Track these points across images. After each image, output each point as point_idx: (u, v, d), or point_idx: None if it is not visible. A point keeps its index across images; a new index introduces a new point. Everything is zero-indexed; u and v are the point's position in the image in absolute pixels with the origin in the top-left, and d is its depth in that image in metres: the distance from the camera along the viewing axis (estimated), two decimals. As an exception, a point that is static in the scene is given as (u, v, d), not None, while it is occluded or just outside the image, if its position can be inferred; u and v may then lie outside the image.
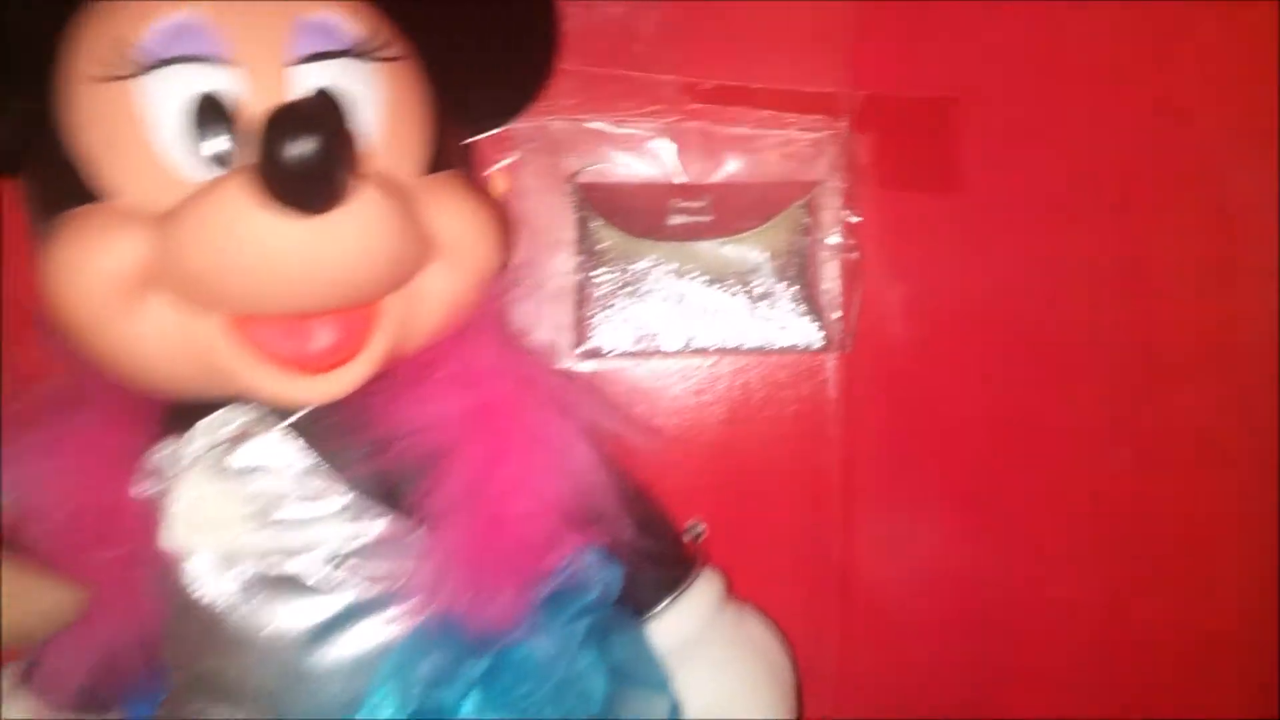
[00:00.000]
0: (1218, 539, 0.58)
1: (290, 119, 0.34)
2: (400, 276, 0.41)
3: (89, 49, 0.39)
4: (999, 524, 0.58)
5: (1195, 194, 0.56)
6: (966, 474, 0.58)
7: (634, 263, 0.54)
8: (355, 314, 0.41)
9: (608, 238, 0.54)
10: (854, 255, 0.56)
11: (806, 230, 0.54)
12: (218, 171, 0.38)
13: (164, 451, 0.43)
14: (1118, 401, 0.57)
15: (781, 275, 0.54)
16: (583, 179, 0.55)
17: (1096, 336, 0.57)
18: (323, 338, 0.40)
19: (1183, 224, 0.56)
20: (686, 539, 0.56)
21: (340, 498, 0.43)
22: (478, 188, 0.49)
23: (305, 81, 0.40)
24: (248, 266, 0.37)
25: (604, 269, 0.54)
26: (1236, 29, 0.55)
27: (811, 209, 0.55)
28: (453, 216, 0.42)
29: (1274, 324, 0.57)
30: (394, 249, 0.39)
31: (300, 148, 0.34)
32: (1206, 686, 0.59)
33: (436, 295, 0.42)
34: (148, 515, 0.42)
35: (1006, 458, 0.57)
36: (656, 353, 0.55)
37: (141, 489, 0.43)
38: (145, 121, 0.38)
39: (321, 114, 0.35)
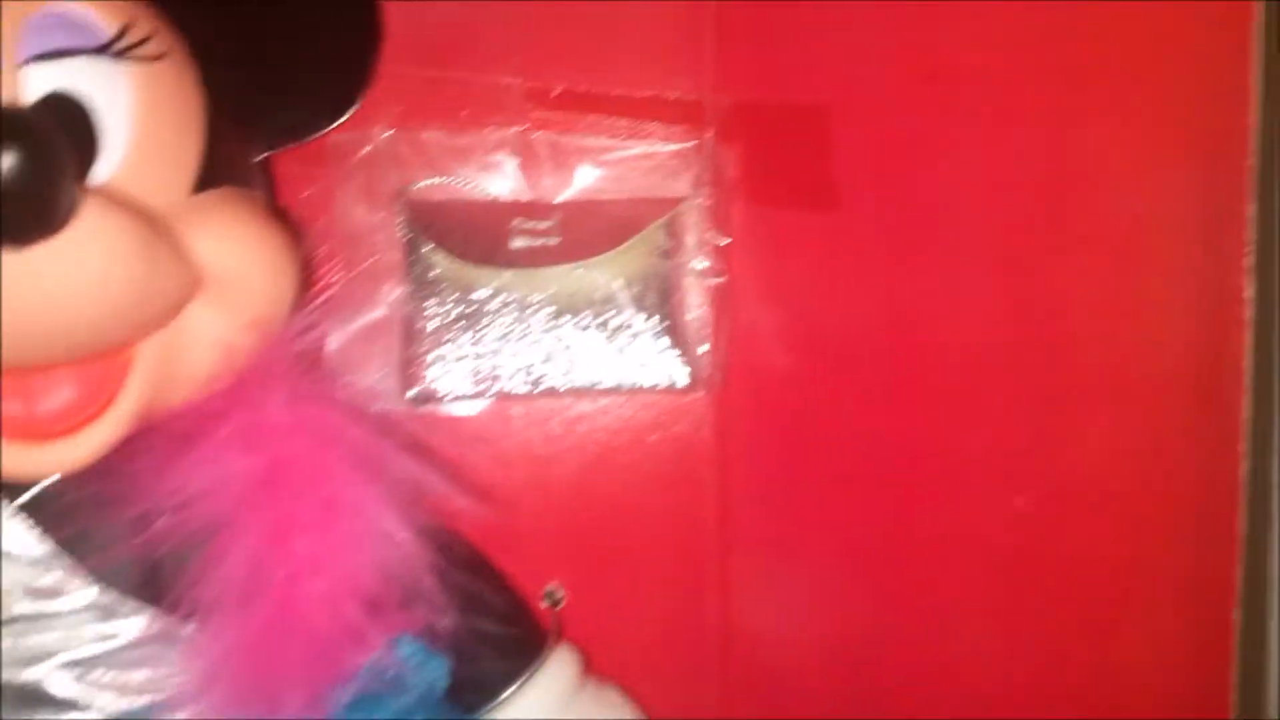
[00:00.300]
0: (1125, 583, 0.54)
1: None
2: (150, 315, 0.34)
3: None
4: (888, 570, 0.53)
5: (1092, 204, 0.52)
6: (853, 517, 0.52)
7: (472, 292, 0.47)
8: (99, 365, 0.34)
9: (441, 264, 0.47)
10: (722, 280, 0.50)
11: (668, 253, 0.49)
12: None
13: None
14: (1015, 434, 0.53)
15: (640, 304, 0.48)
16: (412, 197, 0.48)
17: (990, 363, 0.52)
18: (58, 396, 0.34)
19: (1079, 238, 0.52)
20: (544, 605, 0.50)
21: (86, 590, 0.36)
22: (269, 208, 0.43)
23: (38, 84, 0.33)
24: (-58, 311, 0.30)
25: (437, 300, 0.47)
26: (1135, 28, 0.51)
27: (673, 229, 0.49)
28: (224, 242, 0.36)
29: (1182, 343, 0.52)
30: (133, 286, 0.32)
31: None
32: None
33: (205, 337, 0.36)
34: None
35: (895, 498, 0.52)
36: (499, 395, 0.48)
37: None
38: None
39: (25, 124, 0.29)
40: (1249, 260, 0.50)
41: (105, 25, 0.35)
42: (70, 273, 0.30)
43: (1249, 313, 0.51)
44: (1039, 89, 0.51)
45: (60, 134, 0.30)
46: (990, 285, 0.52)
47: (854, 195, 0.51)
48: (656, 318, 0.48)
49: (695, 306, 0.50)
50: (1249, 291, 0.51)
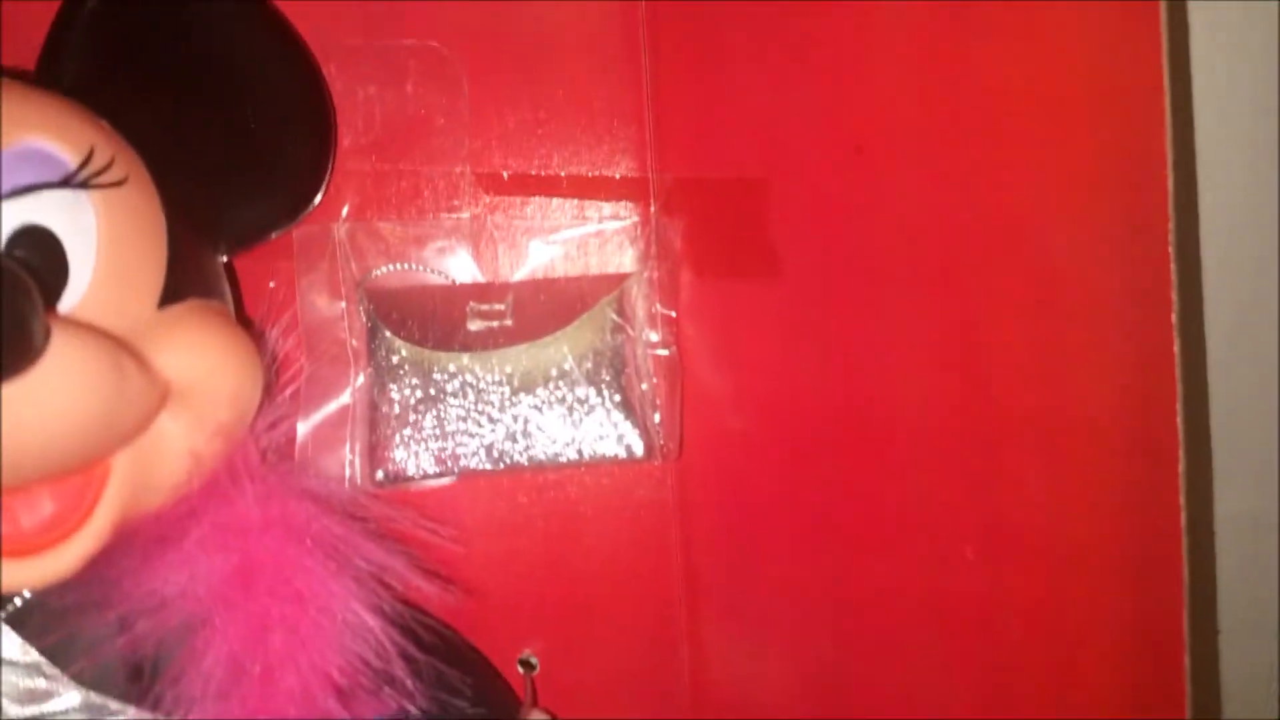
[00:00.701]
0: (1072, 629, 0.54)
1: None
2: (122, 433, 0.35)
3: None
4: (849, 620, 0.54)
5: (1018, 264, 0.53)
6: (812, 570, 0.53)
7: (432, 375, 0.49)
8: (76, 479, 0.35)
9: (402, 349, 0.49)
10: (671, 350, 0.51)
11: (618, 327, 0.50)
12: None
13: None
14: (959, 488, 0.54)
15: (594, 378, 0.50)
16: (372, 286, 0.49)
17: (931, 419, 0.53)
18: (37, 512, 0.35)
19: (1007, 297, 0.53)
20: (520, 672, 0.51)
21: (73, 693, 0.37)
22: (237, 310, 0.44)
23: (9, 220, 0.35)
24: (-80, 446, 0.31)
25: (399, 384, 0.49)
26: (1052, 97, 0.53)
27: (623, 303, 0.51)
28: (189, 355, 0.37)
29: (1115, 393, 0.54)
30: (103, 408, 0.33)
31: None
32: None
33: (175, 444, 0.37)
34: None
35: (851, 551, 0.53)
36: (464, 473, 0.50)
37: None
38: None
39: None
40: (1174, 316, 0.52)
41: (69, 156, 0.36)
42: (45, 403, 0.32)
43: (1178, 364, 0.52)
44: (961, 154, 0.53)
45: (27, 275, 0.32)
46: (926, 345, 0.53)
47: (793, 263, 0.52)
48: (610, 390, 0.50)
49: (647, 377, 0.51)
50: (1176, 345, 0.52)
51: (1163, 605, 0.54)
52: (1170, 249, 0.52)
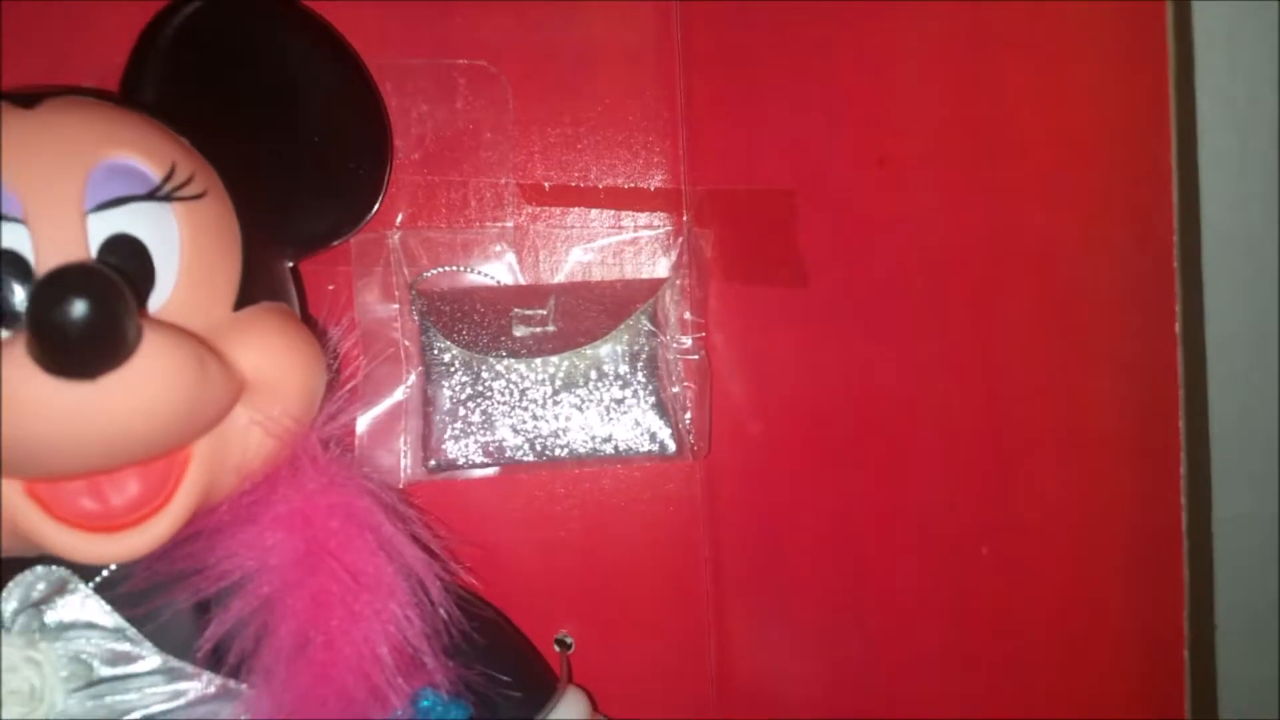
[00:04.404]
0: (1080, 625, 0.57)
1: (59, 284, 0.33)
2: (203, 423, 0.39)
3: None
4: (870, 614, 0.56)
5: (1032, 276, 0.56)
6: (834, 565, 0.56)
7: (480, 372, 0.53)
8: (160, 464, 0.39)
9: (452, 349, 0.52)
10: (701, 354, 0.54)
11: (652, 332, 0.53)
12: (8, 334, 0.37)
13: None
14: (975, 490, 0.56)
15: (630, 380, 0.53)
16: (423, 289, 0.53)
17: (948, 423, 0.56)
18: (125, 493, 0.39)
19: (1022, 307, 0.56)
20: (556, 651, 0.54)
21: (155, 657, 0.40)
22: (303, 312, 0.48)
23: (101, 230, 0.39)
24: (29, 436, 0.35)
25: (450, 381, 0.52)
26: (1063, 114, 0.55)
27: (656, 310, 0.54)
28: (262, 351, 0.41)
29: (1129, 405, 0.56)
30: (189, 400, 0.37)
31: (71, 313, 0.32)
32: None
33: (250, 434, 0.41)
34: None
35: (871, 549, 0.56)
36: (508, 463, 0.53)
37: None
38: None
39: (91, 275, 0.33)
40: (1177, 327, 0.54)
41: (154, 171, 0.40)
42: (136, 395, 0.35)
43: (1180, 372, 0.54)
44: (977, 168, 0.55)
45: (121, 280, 0.36)
46: (943, 352, 0.56)
47: (818, 272, 0.55)
48: (645, 391, 0.53)
49: (679, 380, 0.54)
50: (1179, 353, 0.54)
51: (1164, 602, 0.55)
52: (1174, 261, 0.54)
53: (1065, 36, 0.55)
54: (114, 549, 0.39)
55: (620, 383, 0.53)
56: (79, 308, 0.32)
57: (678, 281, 0.54)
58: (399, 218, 0.53)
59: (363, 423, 0.52)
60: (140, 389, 0.35)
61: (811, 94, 0.55)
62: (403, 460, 0.53)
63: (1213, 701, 0.57)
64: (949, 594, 0.56)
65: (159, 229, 0.40)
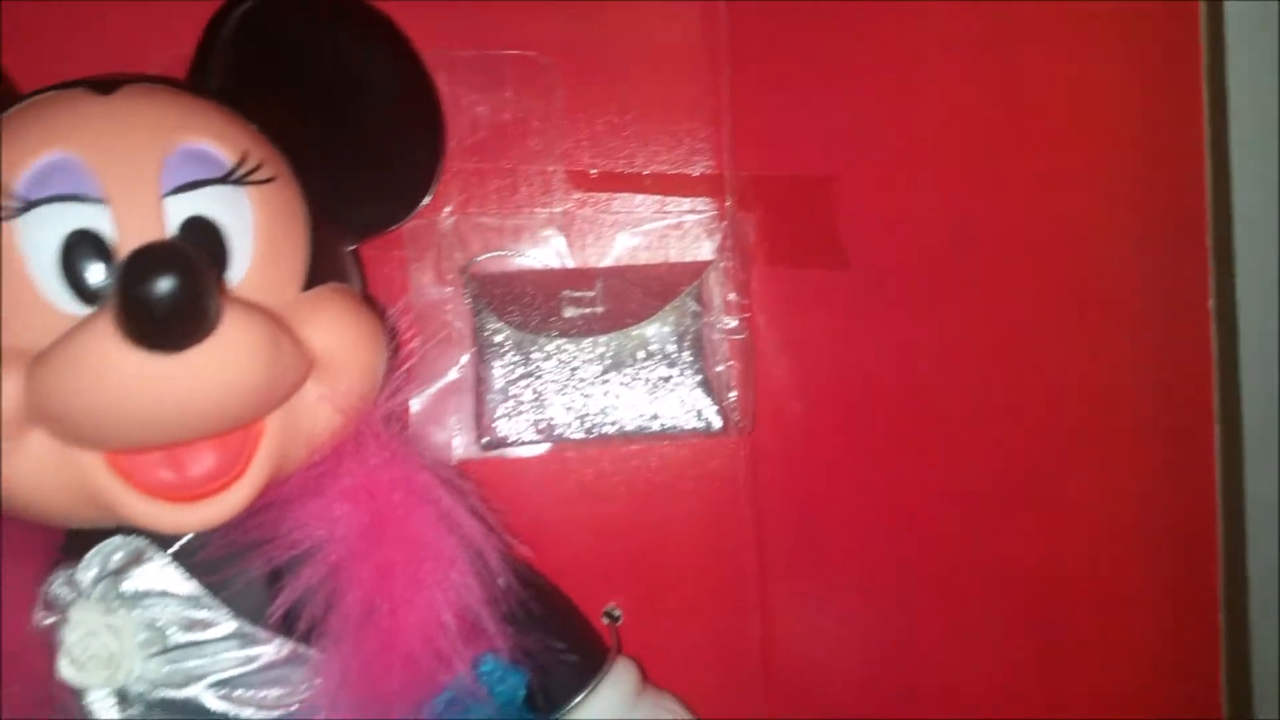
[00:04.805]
0: (1130, 601, 0.58)
1: (147, 260, 0.34)
2: (277, 397, 0.41)
3: (-35, 194, 0.39)
4: (913, 592, 0.58)
5: (1067, 260, 0.57)
6: (876, 541, 0.58)
7: (530, 352, 0.54)
8: (235, 436, 0.41)
9: (504, 330, 0.54)
10: (745, 335, 0.56)
11: (698, 313, 0.55)
12: (93, 309, 0.38)
13: (57, 582, 0.43)
14: (1018, 468, 0.58)
15: (677, 359, 0.55)
16: (475, 272, 0.55)
17: (987, 402, 0.57)
18: (202, 464, 0.40)
19: (1059, 290, 0.57)
20: (604, 623, 0.56)
21: (229, 622, 0.42)
22: (363, 294, 0.49)
23: (179, 212, 0.40)
24: (114, 406, 0.37)
25: (502, 361, 0.54)
26: (1099, 106, 0.57)
27: (701, 291, 0.55)
28: (330, 330, 0.42)
29: (1163, 386, 0.57)
30: (265, 375, 0.39)
31: (158, 288, 0.34)
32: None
33: (318, 410, 0.42)
34: (46, 648, 0.42)
35: (912, 524, 0.58)
36: (558, 441, 0.55)
37: (38, 621, 0.42)
38: (22, 261, 0.39)
39: (177, 253, 0.35)
40: (1211, 304, 0.55)
41: (227, 157, 0.42)
42: (217, 369, 0.37)
43: (1214, 353, 0.56)
44: (1016, 156, 0.57)
45: (205, 256, 0.37)
46: (982, 332, 0.57)
47: (859, 256, 0.57)
48: (691, 370, 0.55)
49: (723, 359, 0.56)
50: (1212, 333, 0.56)
51: (1198, 578, 0.57)
52: (1207, 246, 0.55)
53: (1099, 27, 0.56)
54: (191, 518, 0.40)
55: (667, 362, 0.55)
56: (168, 283, 0.34)
57: (722, 264, 0.56)
58: (451, 204, 0.55)
59: (417, 402, 0.54)
60: (222, 362, 0.37)
61: (852, 83, 0.57)
62: (456, 438, 0.55)
63: (1247, 673, 0.58)
64: (988, 571, 0.58)
65: (233, 212, 0.41)
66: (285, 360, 0.40)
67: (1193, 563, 0.57)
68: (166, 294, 0.34)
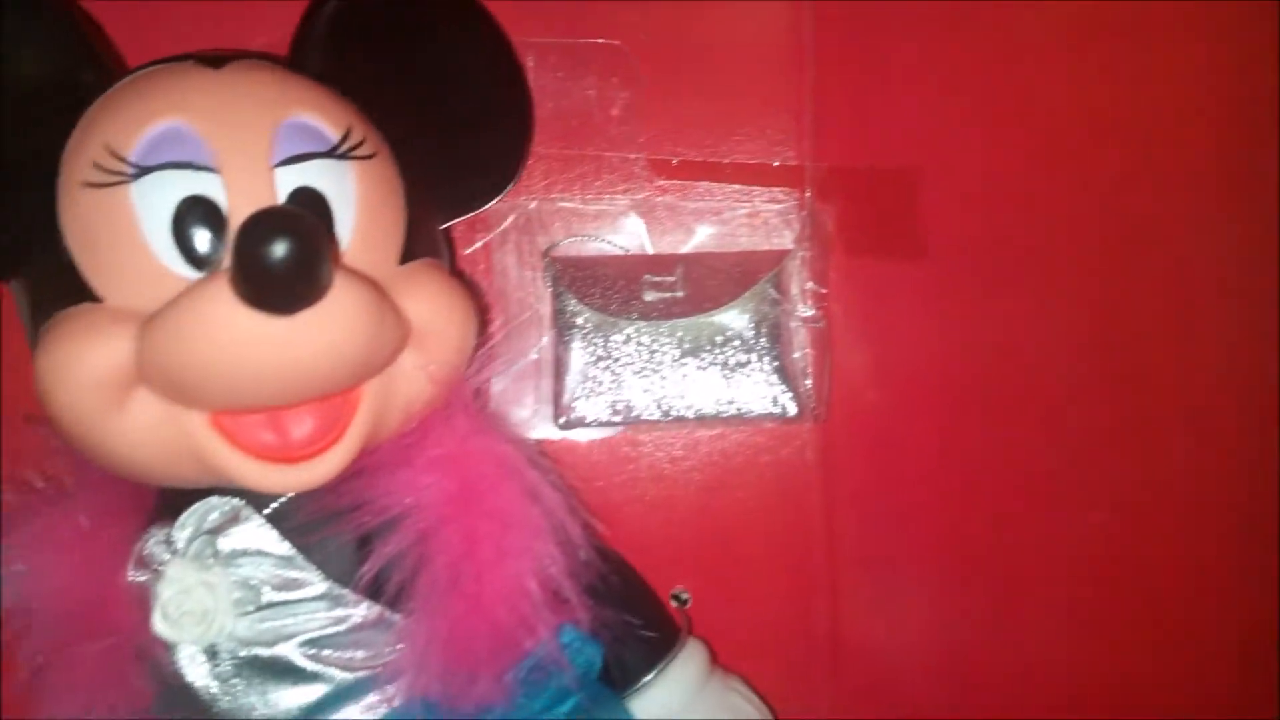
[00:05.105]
0: (1205, 593, 0.58)
1: (265, 223, 0.35)
2: (377, 364, 0.42)
3: (84, 155, 0.41)
4: (982, 581, 0.58)
5: (1151, 250, 0.58)
6: (946, 535, 0.58)
7: (609, 335, 0.55)
8: (334, 401, 0.42)
9: (583, 313, 0.55)
10: (822, 323, 0.57)
11: (776, 301, 0.56)
12: (205, 272, 0.40)
13: (153, 540, 0.44)
14: (1091, 458, 0.58)
15: (754, 345, 0.55)
16: (556, 256, 0.56)
17: (1065, 395, 0.58)
18: (302, 427, 0.42)
19: (1140, 282, 0.58)
20: (672, 605, 0.57)
21: (320, 584, 0.43)
22: (451, 271, 0.51)
23: (287, 182, 0.42)
24: (226, 365, 0.38)
25: (581, 344, 0.55)
26: (1191, 98, 0.57)
27: (780, 279, 0.56)
28: (426, 303, 0.44)
29: (1234, 379, 0.58)
30: (370, 340, 0.40)
31: (275, 251, 0.35)
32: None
33: (413, 379, 0.43)
34: (138, 604, 0.43)
35: (985, 516, 0.58)
36: (634, 423, 0.56)
37: (132, 577, 0.44)
38: (136, 225, 0.40)
39: (294, 217, 0.36)
40: None
41: (332, 131, 0.43)
42: (326, 331, 0.38)
43: None
44: (1101, 150, 0.57)
45: (320, 225, 0.39)
46: (1059, 324, 0.58)
47: (938, 247, 0.57)
48: (768, 357, 0.55)
49: (800, 346, 0.56)
50: None
51: (1262, 565, 0.57)
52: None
53: (1180, 18, 0.57)
54: (291, 479, 0.42)
55: (744, 347, 0.55)
56: (285, 245, 0.35)
57: (801, 253, 0.57)
58: (534, 188, 0.56)
59: (498, 381, 0.55)
60: (330, 326, 0.38)
61: (932, 76, 0.57)
62: (534, 417, 0.56)
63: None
64: (1061, 560, 0.58)
65: (338, 184, 0.43)
66: (388, 328, 0.41)
67: (1266, 553, 0.57)
68: (283, 257, 0.35)
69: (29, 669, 0.44)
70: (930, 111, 0.57)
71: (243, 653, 0.43)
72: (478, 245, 0.56)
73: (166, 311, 0.38)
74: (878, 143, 0.58)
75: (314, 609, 0.43)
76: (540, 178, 0.56)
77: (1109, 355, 0.58)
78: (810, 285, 0.57)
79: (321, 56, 0.49)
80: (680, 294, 0.54)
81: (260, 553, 0.43)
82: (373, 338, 0.40)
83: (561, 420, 0.55)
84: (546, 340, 0.56)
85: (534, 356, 0.56)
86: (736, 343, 0.55)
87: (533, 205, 0.56)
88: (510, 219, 0.56)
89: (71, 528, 0.44)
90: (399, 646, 0.43)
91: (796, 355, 0.56)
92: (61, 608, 0.43)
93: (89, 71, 0.44)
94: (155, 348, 0.38)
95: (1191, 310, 0.58)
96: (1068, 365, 0.58)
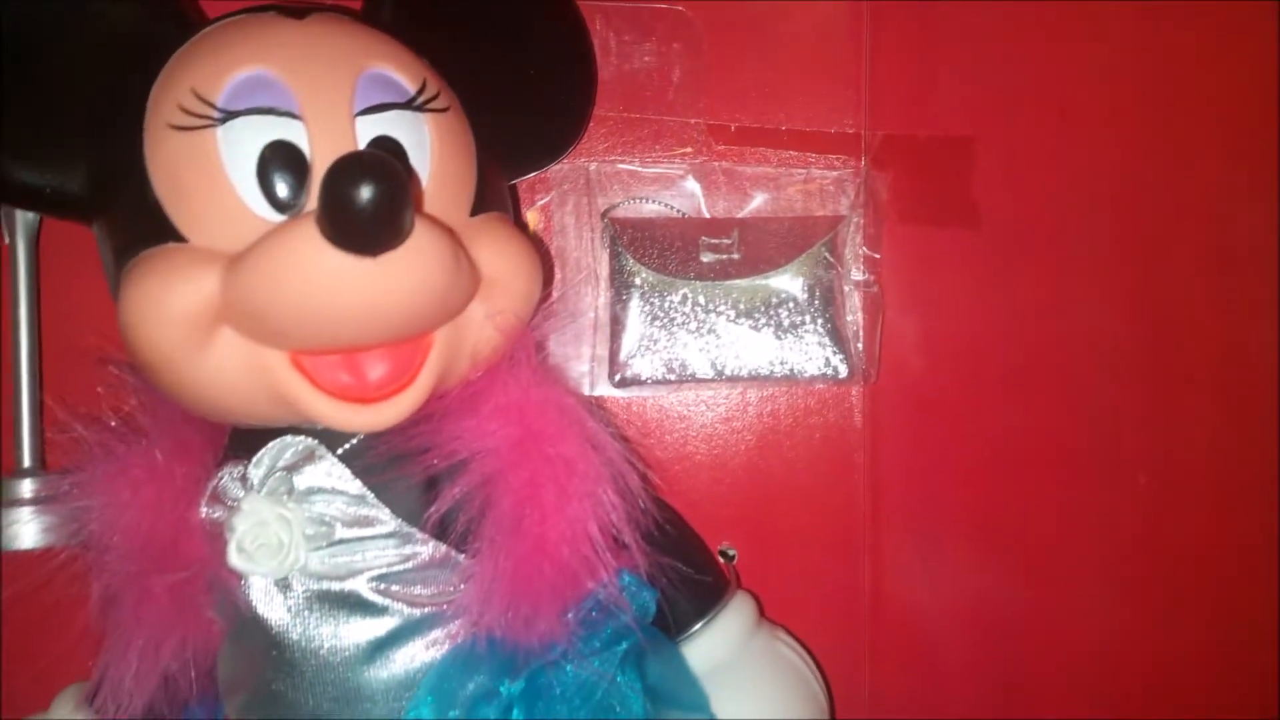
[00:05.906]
0: (1238, 564, 0.59)
1: (353, 167, 0.37)
2: (451, 310, 0.43)
3: (169, 100, 0.42)
4: (1021, 546, 0.59)
5: (1192, 226, 0.59)
6: (989, 499, 0.59)
7: (666, 296, 0.56)
8: (407, 346, 0.43)
9: (640, 274, 0.56)
10: (874, 289, 0.58)
11: (830, 265, 0.57)
12: (287, 216, 0.41)
13: (227, 476, 0.45)
14: (1133, 429, 0.59)
15: (807, 308, 0.57)
16: (615, 218, 0.57)
17: (1107, 360, 0.59)
18: (377, 370, 0.43)
19: (1182, 255, 0.59)
20: (720, 562, 0.58)
21: (390, 522, 0.45)
22: (518, 226, 0.52)
23: (367, 131, 0.43)
24: (310, 304, 0.39)
25: (637, 303, 0.56)
26: (1236, 72, 0.58)
27: (834, 244, 0.57)
28: (496, 254, 0.45)
29: (1273, 353, 0.58)
30: (447, 286, 0.41)
31: (362, 194, 0.36)
32: (1223, 712, 0.60)
33: (482, 328, 0.45)
34: (211, 538, 0.44)
35: (1027, 483, 0.59)
36: (688, 381, 0.57)
37: (206, 513, 0.45)
38: (221, 168, 0.41)
39: (381, 162, 0.37)
40: None
41: (408, 84, 0.45)
42: (405, 274, 0.39)
43: None
44: (1153, 124, 0.58)
45: (402, 171, 0.40)
46: (1108, 293, 0.59)
47: (989, 216, 0.58)
48: (821, 320, 0.57)
49: (853, 310, 0.58)
50: None
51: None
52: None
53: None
54: (366, 418, 0.43)
55: (798, 310, 0.56)
56: (371, 188, 0.36)
57: (855, 220, 0.58)
58: (595, 150, 0.58)
59: (556, 338, 0.56)
60: (411, 268, 0.39)
61: (992, 46, 0.58)
62: (591, 374, 0.57)
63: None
64: (1100, 525, 0.59)
65: (414, 135, 0.44)
66: (463, 275, 0.42)
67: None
68: (370, 199, 0.36)
69: (102, 601, 0.46)
70: (985, 83, 0.58)
71: (314, 586, 0.44)
72: (538, 205, 0.58)
73: (255, 250, 0.39)
74: (933, 112, 0.58)
75: (384, 546, 0.45)
76: (600, 140, 0.58)
77: (1152, 328, 0.59)
78: (864, 251, 0.58)
79: (393, 12, 0.50)
80: (736, 256, 0.56)
81: (333, 490, 0.45)
82: (449, 284, 0.41)
83: (617, 378, 0.57)
84: (603, 299, 0.57)
85: (591, 315, 0.57)
86: (790, 305, 0.56)
87: (592, 167, 0.57)
88: (572, 180, 0.57)
89: (146, 464, 0.45)
90: (464, 584, 0.44)
91: (849, 318, 0.57)
92: (135, 542, 0.44)
93: (171, 20, 0.46)
94: (242, 285, 0.40)
95: (1233, 286, 0.59)
96: (1111, 337, 0.59)
